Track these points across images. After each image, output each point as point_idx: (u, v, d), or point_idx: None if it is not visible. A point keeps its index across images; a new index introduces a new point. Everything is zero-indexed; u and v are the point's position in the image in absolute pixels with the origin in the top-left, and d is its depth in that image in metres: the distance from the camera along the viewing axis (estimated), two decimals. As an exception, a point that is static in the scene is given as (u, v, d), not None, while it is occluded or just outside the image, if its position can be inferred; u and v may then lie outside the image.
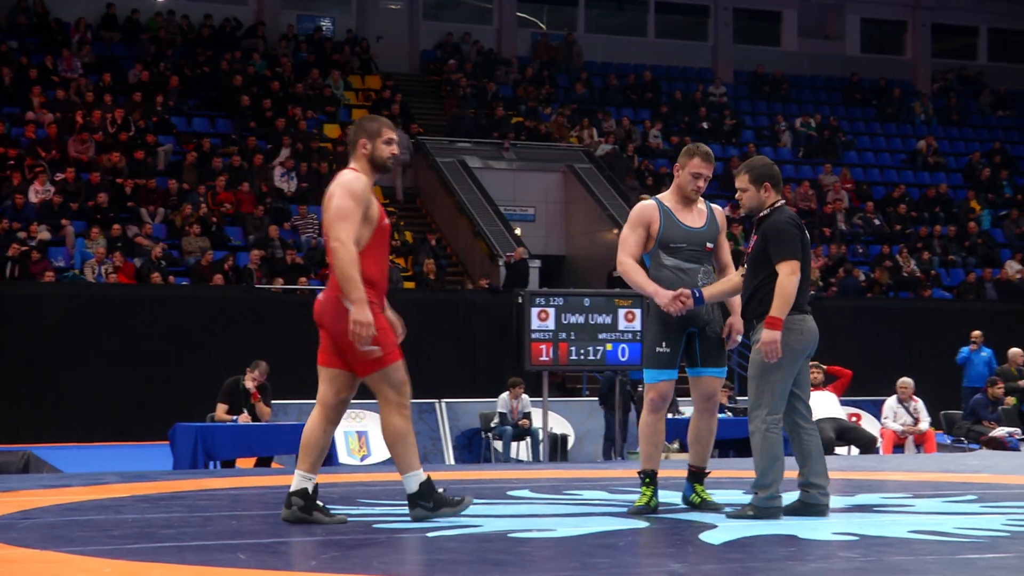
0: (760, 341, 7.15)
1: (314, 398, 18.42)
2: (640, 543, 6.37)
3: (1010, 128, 33.61)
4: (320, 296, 7.01)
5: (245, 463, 14.63)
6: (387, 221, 7.15)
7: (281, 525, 6.99)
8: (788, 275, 7.18)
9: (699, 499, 7.63)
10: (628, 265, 7.52)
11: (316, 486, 6.99)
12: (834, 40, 35.22)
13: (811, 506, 7.28)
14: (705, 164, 7.57)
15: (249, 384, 14.91)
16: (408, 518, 7.03)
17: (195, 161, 23.63)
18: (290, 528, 6.82)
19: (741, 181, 7.41)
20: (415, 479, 6.96)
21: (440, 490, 7.07)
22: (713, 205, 7.74)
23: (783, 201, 7.44)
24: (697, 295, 7.40)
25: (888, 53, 35.70)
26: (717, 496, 7.89)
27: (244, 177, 23.54)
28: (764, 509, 7.17)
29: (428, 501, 6.96)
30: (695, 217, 7.62)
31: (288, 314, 19.81)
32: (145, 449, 17.04)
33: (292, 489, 6.97)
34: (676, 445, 16.57)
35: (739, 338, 7.61)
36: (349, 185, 6.86)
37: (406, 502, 6.98)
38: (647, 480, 7.54)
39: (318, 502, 7.00)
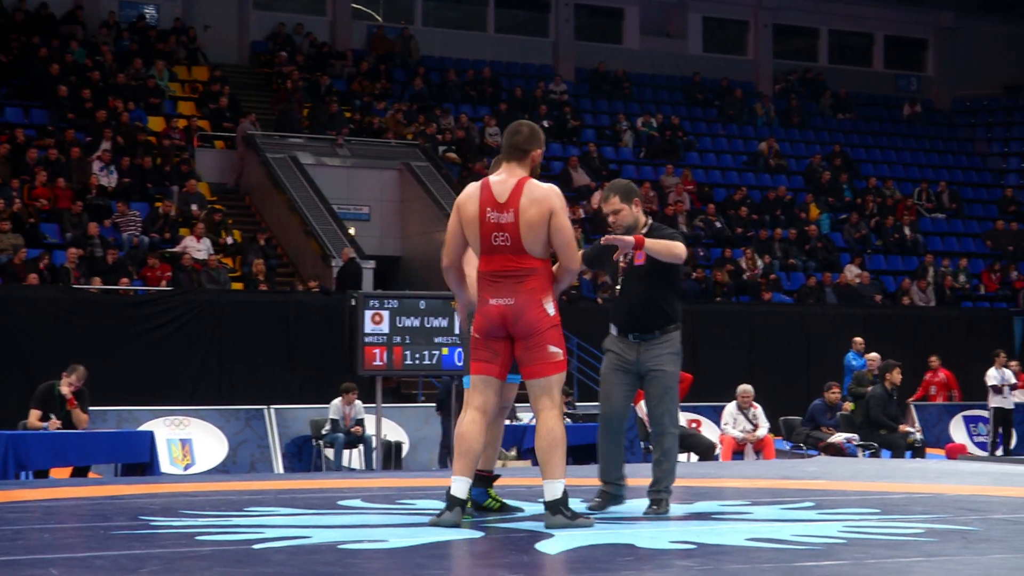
0: (629, 242, 7.54)
1: (134, 404, 17.98)
2: (475, 553, 6.34)
3: (850, 131, 33.97)
4: (511, 302, 7.13)
5: (60, 473, 14.42)
6: None
7: (97, 538, 6.86)
8: (684, 247, 7.82)
9: (497, 504, 7.69)
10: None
11: (566, 489, 7.15)
12: (676, 39, 35.34)
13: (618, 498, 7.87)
14: (604, 203, 7.97)
15: (65, 390, 14.68)
16: (235, 530, 6.97)
17: (8, 153, 22.75)
18: (108, 541, 6.66)
19: (613, 203, 7.84)
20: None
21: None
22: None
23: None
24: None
25: (730, 53, 35.91)
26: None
27: (61, 171, 22.78)
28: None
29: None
30: None
31: (108, 316, 19.39)
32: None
33: (552, 499, 7.04)
34: (513, 452, 16.67)
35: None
36: (562, 200, 7.22)
37: (231, 512, 7.10)
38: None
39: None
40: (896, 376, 17.10)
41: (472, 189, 7.22)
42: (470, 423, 7.08)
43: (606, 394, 7.90)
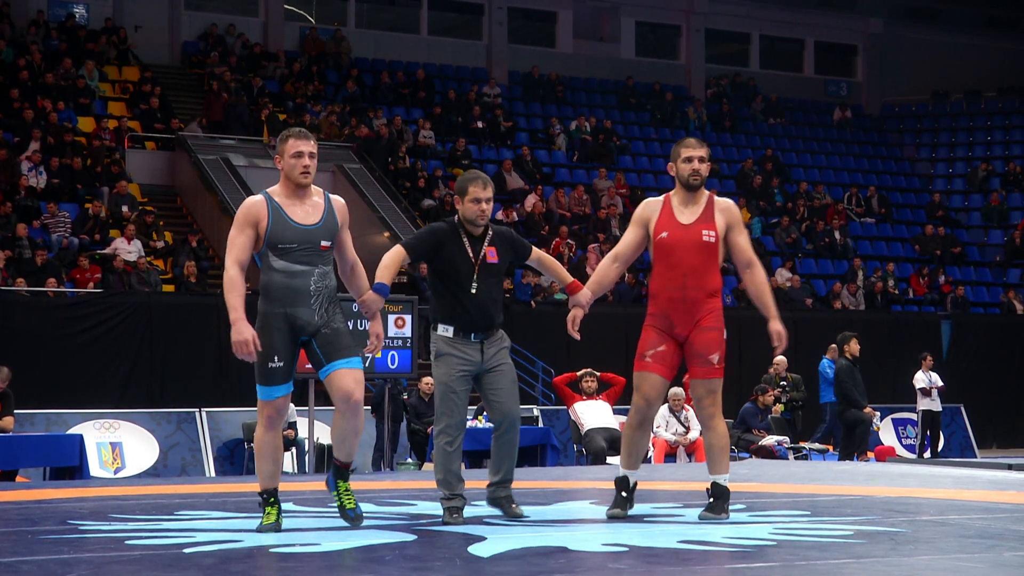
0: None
1: (63, 407, 17.83)
2: (408, 557, 6.21)
3: (781, 136, 34.07)
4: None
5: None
6: (664, 235, 7.61)
7: (25, 542, 6.78)
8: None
9: (338, 500, 7.29)
10: (229, 279, 6.99)
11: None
12: (609, 43, 35.33)
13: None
14: (303, 141, 7.17)
15: (-11, 391, 14.55)
16: (166, 534, 6.92)
17: (-66, 154, 22.41)
18: (35, 546, 6.60)
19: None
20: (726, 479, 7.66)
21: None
22: (333, 196, 7.28)
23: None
24: (383, 289, 7.37)
25: (662, 57, 35.94)
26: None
27: (-12, 172, 22.42)
28: None
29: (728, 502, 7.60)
30: (309, 212, 7.13)
31: (37, 317, 19.09)
32: None
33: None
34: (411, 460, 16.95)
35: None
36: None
37: (161, 516, 7.09)
38: (271, 500, 7.16)
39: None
40: (854, 346, 17.10)
41: None
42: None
43: (456, 403, 7.56)
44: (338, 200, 7.24)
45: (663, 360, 7.62)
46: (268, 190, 7.16)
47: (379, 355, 7.57)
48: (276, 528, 7.05)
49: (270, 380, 7.04)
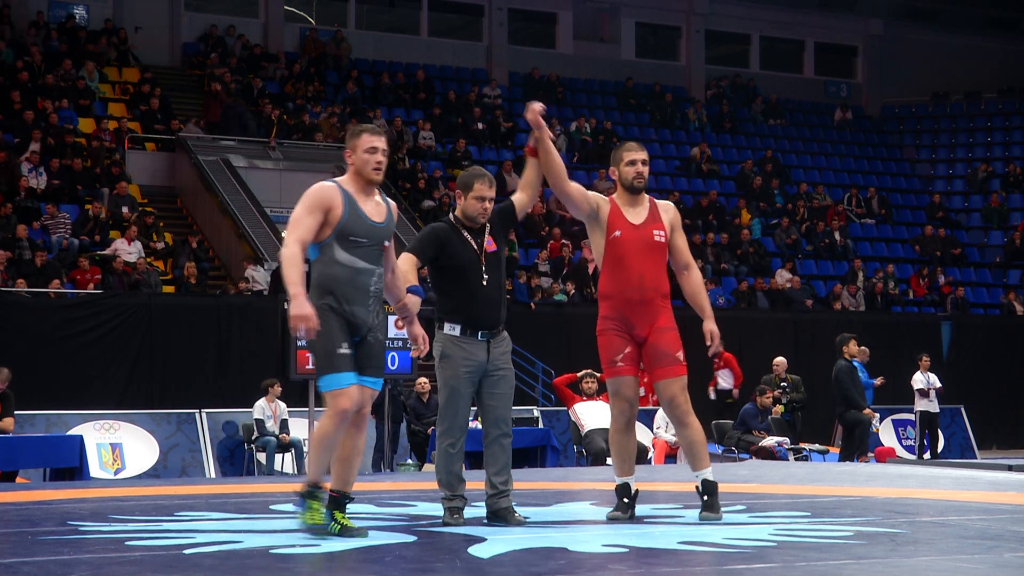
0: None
1: (63, 408, 17.80)
2: (408, 558, 6.24)
3: (781, 137, 34.06)
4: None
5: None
6: (617, 234, 7.63)
7: (24, 543, 6.77)
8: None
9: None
10: (291, 255, 6.68)
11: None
12: (609, 44, 35.31)
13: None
14: (377, 137, 6.99)
15: (-11, 392, 14.52)
16: (166, 534, 6.94)
17: (-66, 155, 22.34)
18: (35, 547, 6.60)
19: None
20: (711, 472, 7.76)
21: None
22: (391, 200, 7.18)
23: None
24: (419, 290, 7.28)
25: (662, 58, 35.91)
26: None
27: (-12, 172, 22.34)
28: None
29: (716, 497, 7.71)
30: (376, 210, 6.99)
31: (37, 318, 19.10)
32: None
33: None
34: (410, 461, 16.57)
35: None
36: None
37: (161, 517, 7.05)
38: (342, 503, 6.94)
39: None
40: (853, 347, 17.07)
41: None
42: None
43: (461, 405, 7.47)
44: (393, 204, 7.13)
45: (633, 360, 7.68)
46: (338, 180, 6.94)
47: (424, 355, 7.34)
48: (358, 532, 6.81)
49: (337, 366, 6.74)
